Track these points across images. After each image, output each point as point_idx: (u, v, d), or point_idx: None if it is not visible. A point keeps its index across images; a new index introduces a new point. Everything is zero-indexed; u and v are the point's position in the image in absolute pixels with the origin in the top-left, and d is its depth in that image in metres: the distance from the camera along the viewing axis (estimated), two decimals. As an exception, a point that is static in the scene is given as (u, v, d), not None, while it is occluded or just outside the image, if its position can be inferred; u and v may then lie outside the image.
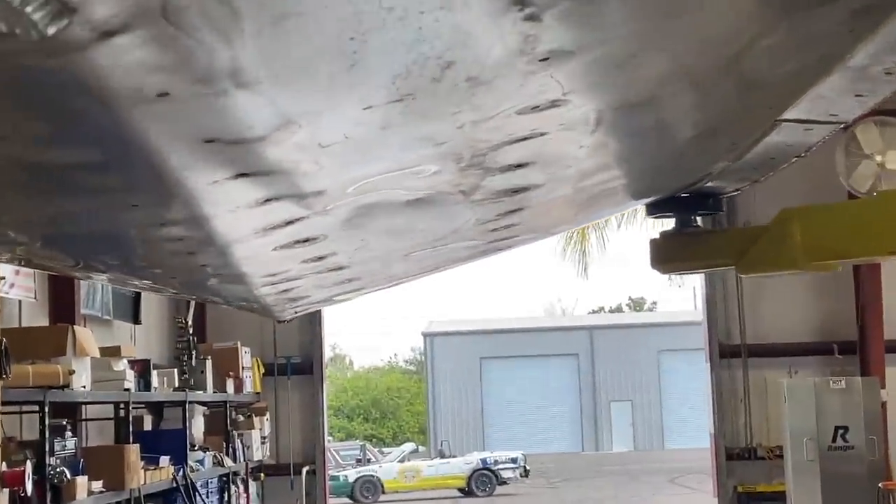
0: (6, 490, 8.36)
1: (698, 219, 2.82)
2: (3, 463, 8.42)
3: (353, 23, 0.99)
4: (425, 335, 53.94)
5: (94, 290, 13.43)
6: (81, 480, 9.88)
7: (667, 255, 2.77)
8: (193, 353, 14.35)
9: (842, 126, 1.90)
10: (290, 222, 1.69)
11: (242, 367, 15.66)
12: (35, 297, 11.86)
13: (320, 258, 2.05)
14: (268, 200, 1.52)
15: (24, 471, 8.16)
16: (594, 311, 70.43)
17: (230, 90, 1.06)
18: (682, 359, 49.04)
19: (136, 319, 14.49)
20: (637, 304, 71.89)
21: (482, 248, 2.56)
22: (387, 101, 1.26)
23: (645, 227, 21.68)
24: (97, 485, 10.36)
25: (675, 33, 1.33)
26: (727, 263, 2.72)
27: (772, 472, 16.61)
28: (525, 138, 1.52)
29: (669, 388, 52.09)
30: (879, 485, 15.45)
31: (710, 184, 2.53)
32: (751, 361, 17.60)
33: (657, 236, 2.86)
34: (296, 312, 2.77)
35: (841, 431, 15.86)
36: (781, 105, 1.76)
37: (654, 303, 71.02)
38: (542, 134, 1.53)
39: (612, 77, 1.43)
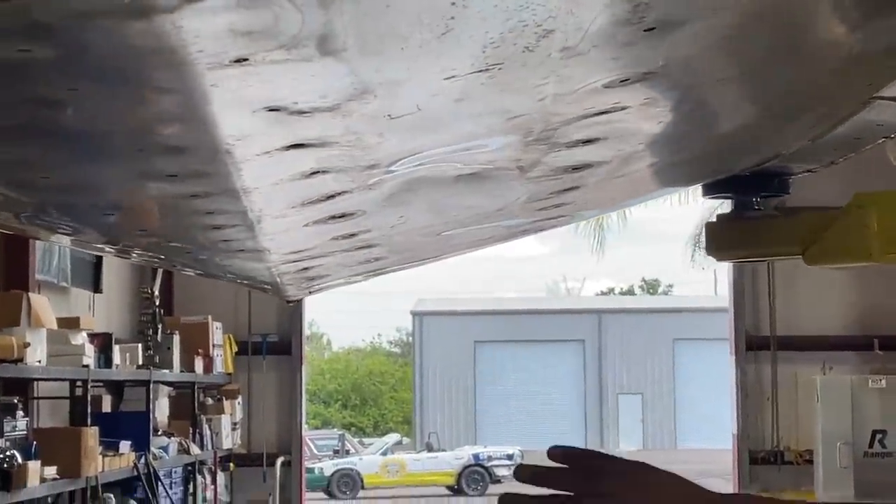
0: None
1: (759, 201, 2.82)
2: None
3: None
4: (414, 314, 53.91)
5: (50, 253, 13.39)
6: (34, 466, 9.89)
7: (725, 242, 2.76)
8: (159, 327, 14.37)
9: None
10: (330, 196, 1.69)
11: (213, 345, 15.66)
12: (-17, 259, 11.84)
13: (352, 235, 2.05)
14: (314, 173, 1.53)
15: (-28, 454, 8.17)
16: (603, 293, 70.61)
17: (314, 57, 1.07)
18: (699, 349, 49.20)
19: (96, 287, 14.47)
20: (651, 287, 72.04)
21: (523, 228, 2.56)
22: (471, 71, 1.27)
23: (669, 202, 21.67)
24: (51, 471, 10.39)
25: (783, 7, 1.34)
26: (793, 252, 2.72)
27: (800, 478, 16.57)
28: (604, 112, 1.53)
29: (684, 381, 52.27)
30: (921, 496, 15.48)
31: (777, 165, 2.53)
32: (780, 355, 17.58)
33: (713, 219, 2.86)
34: (309, 292, 2.78)
35: (879, 436, 15.92)
36: (882, 81, 1.76)
37: (671, 286, 71.19)
38: (623, 108, 1.53)
39: (714, 49, 1.43)
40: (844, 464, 15.59)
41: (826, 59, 1.60)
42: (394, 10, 1.01)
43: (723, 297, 18.79)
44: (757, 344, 17.40)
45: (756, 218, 2.76)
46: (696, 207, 24.35)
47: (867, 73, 1.75)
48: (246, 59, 1.04)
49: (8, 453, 9.49)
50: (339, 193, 1.68)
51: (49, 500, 11.28)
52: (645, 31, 1.22)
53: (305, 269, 2.30)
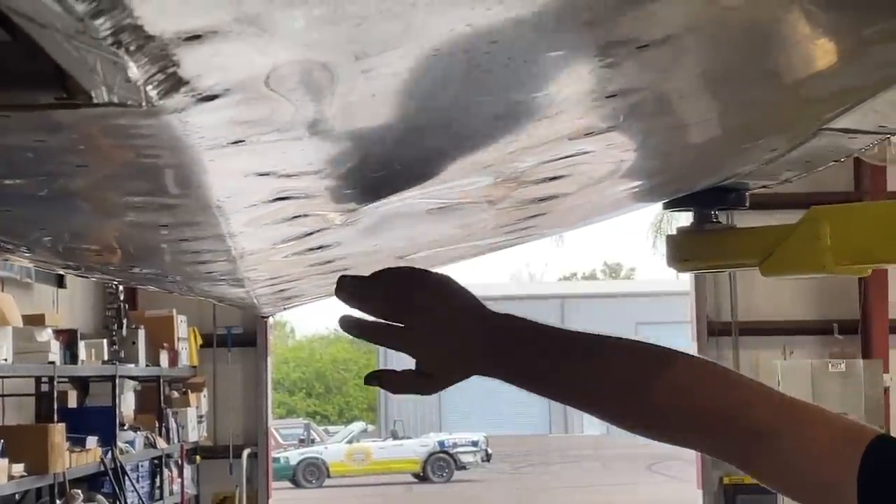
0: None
1: (717, 215, 2.93)
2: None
3: (435, 74, 1.09)
4: None
5: (14, 249, 13.38)
6: (1, 463, 9.93)
7: (685, 254, 2.86)
8: (124, 321, 14.41)
9: (888, 135, 2.00)
10: (310, 233, 1.79)
11: (178, 338, 15.69)
12: (-53, 257, 11.81)
13: (329, 262, 2.15)
14: (296, 217, 1.61)
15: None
16: (565, 278, 70.77)
17: (304, 136, 1.16)
18: (663, 332, 49.34)
19: (60, 283, 14.46)
20: (613, 271, 72.29)
21: (490, 247, 2.67)
22: (440, 131, 1.37)
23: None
24: (18, 468, 10.41)
25: (744, 72, 1.44)
26: (750, 263, 2.82)
27: (761, 461, 16.71)
28: (570, 156, 1.63)
29: (648, 365, 52.53)
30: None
31: (732, 182, 2.64)
32: (742, 340, 17.73)
33: (674, 232, 2.96)
34: (284, 308, 2.88)
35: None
36: (830, 117, 1.87)
37: (633, 269, 71.50)
38: (586, 152, 1.63)
39: (673, 105, 1.53)
40: (806, 447, 15.69)
41: (779, 102, 1.71)
42: (378, 100, 1.10)
43: (685, 281, 18.91)
44: (718, 329, 17.59)
45: (715, 231, 2.86)
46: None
47: (817, 110, 1.86)
48: (242, 141, 1.13)
49: (-25, 452, 9.51)
50: (320, 230, 1.77)
51: (17, 497, 11.31)
52: (607, 97, 1.32)
53: (282, 290, 2.39)
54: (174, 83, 0.86)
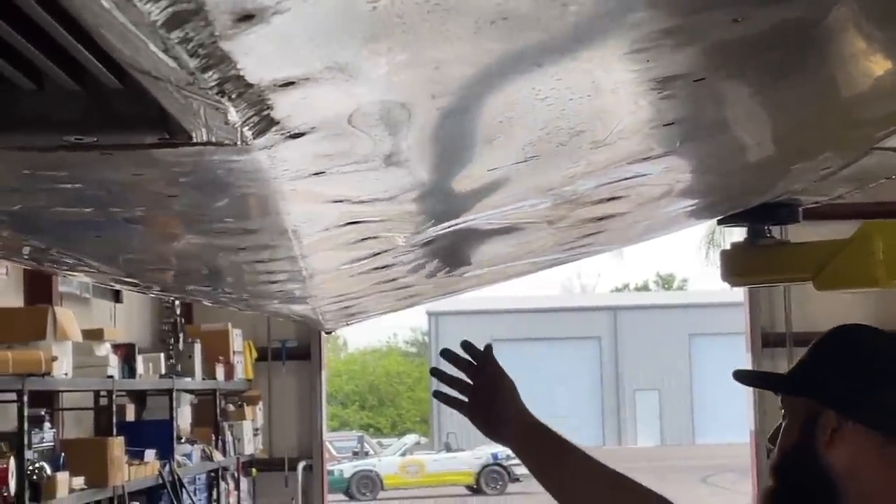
0: (-16, 489, 8.51)
1: (771, 229, 2.96)
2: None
3: (504, 108, 1.16)
4: (430, 314, 53.84)
5: (72, 265, 13.52)
6: (62, 477, 10.01)
7: (739, 269, 2.90)
8: (181, 335, 14.50)
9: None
10: (376, 254, 1.85)
11: (233, 352, 15.76)
12: (6, 274, 11.95)
13: (392, 280, 2.22)
14: (364, 239, 1.68)
15: (6, 469, 8.31)
16: (618, 290, 70.50)
17: (380, 167, 1.23)
18: (716, 344, 49.15)
19: (117, 298, 14.61)
20: (666, 282, 71.98)
21: (549, 263, 2.73)
22: (512, 163, 1.43)
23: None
24: (79, 481, 10.50)
25: (799, 94, 1.50)
26: (804, 278, 2.85)
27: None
28: (627, 178, 1.68)
29: (701, 376, 52.24)
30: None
31: (787, 197, 2.68)
32: (797, 352, 17.40)
33: (728, 247, 3.00)
34: (347, 324, 2.95)
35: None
36: (881, 136, 1.92)
37: (685, 280, 71.14)
38: (644, 175, 1.68)
39: (727, 130, 1.59)
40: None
41: (833, 123, 1.76)
42: (451, 132, 1.17)
43: (738, 292, 18.72)
44: (773, 340, 17.42)
45: (768, 246, 2.91)
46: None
47: (868, 132, 1.91)
48: (323, 172, 1.20)
49: (37, 465, 9.60)
50: (385, 251, 1.84)
51: (76, 511, 11.43)
52: (664, 125, 1.38)
53: (346, 307, 2.46)
54: (267, 124, 0.93)
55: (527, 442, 2.80)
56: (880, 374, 2.29)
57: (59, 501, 9.97)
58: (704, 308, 52.70)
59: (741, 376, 2.55)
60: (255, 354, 16.83)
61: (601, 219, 2.04)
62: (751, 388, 17.50)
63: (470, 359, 2.71)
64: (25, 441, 9.48)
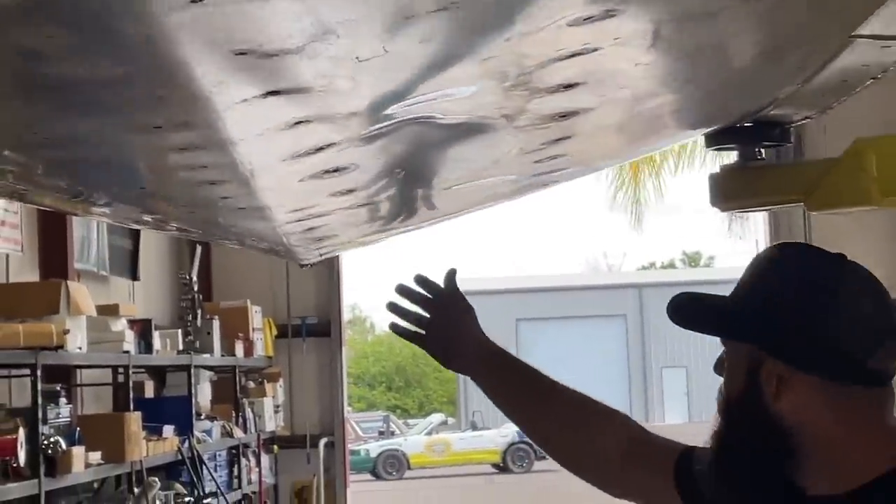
0: (-4, 460, 8.47)
1: (762, 151, 2.83)
2: (-10, 428, 8.52)
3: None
4: None
5: (89, 242, 13.49)
6: (78, 451, 9.96)
7: (729, 191, 2.78)
8: (199, 312, 14.43)
9: (923, 42, 1.92)
10: (320, 149, 1.74)
11: (253, 329, 15.71)
12: (22, 251, 11.92)
13: (350, 191, 2.10)
14: (298, 123, 1.57)
15: (15, 439, 8.27)
16: (644, 268, 70.42)
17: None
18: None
19: (134, 275, 14.57)
20: (692, 260, 71.81)
21: (525, 183, 2.60)
22: (429, 10, 1.31)
23: (704, 172, 21.59)
24: (95, 456, 10.46)
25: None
26: (795, 199, 2.72)
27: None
28: (576, 54, 1.56)
29: (728, 353, 52.01)
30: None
31: (775, 112, 2.54)
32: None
33: (717, 170, 2.88)
34: (321, 255, 2.82)
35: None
36: (856, 20, 1.78)
37: (711, 258, 70.93)
38: (594, 49, 1.56)
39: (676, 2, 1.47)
40: None
41: (804, 9, 1.63)
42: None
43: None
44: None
45: (759, 167, 2.79)
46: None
47: (840, 12, 1.79)
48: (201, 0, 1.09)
49: (52, 439, 9.56)
50: (330, 145, 1.73)
51: (95, 485, 11.40)
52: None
53: (311, 228, 2.35)
54: None
55: (488, 369, 2.75)
56: (824, 311, 2.12)
57: (75, 475, 9.94)
58: (731, 285, 52.23)
59: (675, 311, 2.31)
60: (275, 331, 16.80)
61: (564, 116, 1.92)
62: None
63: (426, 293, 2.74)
64: (40, 415, 9.43)
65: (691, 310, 2.30)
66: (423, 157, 2.02)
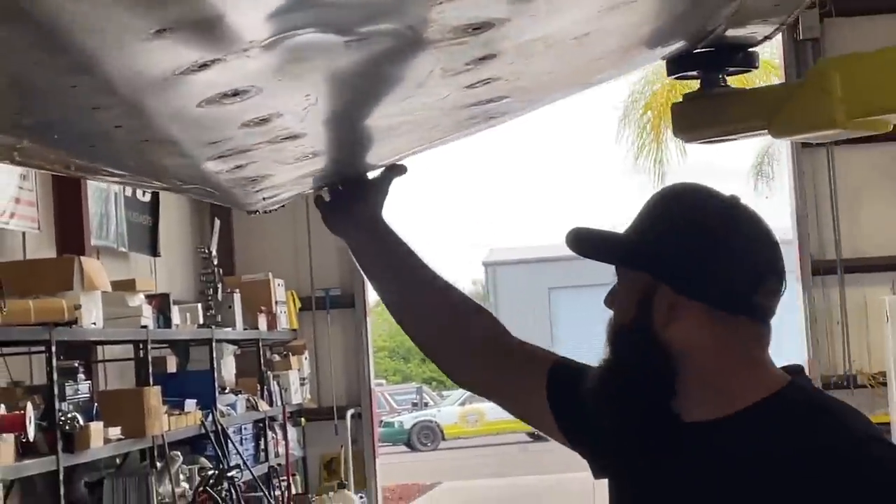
0: (10, 436, 8.45)
1: (726, 79, 2.70)
2: (2, 406, 8.50)
3: None
4: (486, 265, 53.87)
5: (108, 219, 13.47)
6: (96, 426, 9.97)
7: (691, 121, 2.64)
8: (219, 286, 14.40)
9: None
10: (203, 66, 1.62)
11: (276, 302, 15.70)
12: (39, 228, 11.91)
13: (263, 120, 1.98)
14: (160, 31, 1.45)
15: (24, 414, 8.23)
16: (668, 232, 70.08)
17: None
18: (775, 282, 48.52)
19: (154, 251, 14.56)
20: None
21: (467, 116, 2.46)
22: None
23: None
24: (115, 431, 10.47)
25: None
26: (758, 126, 2.58)
27: (874, 401, 16.18)
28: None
29: (761, 315, 51.66)
30: None
31: (733, 33, 2.40)
32: (848, 278, 17.16)
33: (680, 102, 2.75)
34: (264, 200, 2.68)
35: (954, 354, 15.53)
36: None
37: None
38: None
39: None
40: (918, 384, 15.25)
41: None
42: None
43: (787, 228, 18.31)
44: (823, 269, 17.05)
45: (720, 94, 2.64)
46: (755, 142, 24.06)
47: None
48: None
49: (69, 415, 9.55)
50: (213, 62, 1.61)
51: (117, 460, 11.40)
52: None
53: (238, 167, 2.22)
54: None
55: (369, 237, 2.80)
56: (715, 244, 2.26)
57: (95, 451, 9.94)
58: (763, 247, 52.03)
59: (576, 242, 2.42)
60: (298, 304, 16.77)
61: (478, 28, 1.78)
62: (803, 319, 17.28)
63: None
64: (55, 391, 9.42)
65: (591, 241, 2.42)
66: (331, 80, 1.89)
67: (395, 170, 2.75)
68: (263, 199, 2.68)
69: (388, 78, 1.98)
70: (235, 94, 1.82)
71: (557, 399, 2.56)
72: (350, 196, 2.75)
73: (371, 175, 2.77)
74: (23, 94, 1.56)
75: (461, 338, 2.78)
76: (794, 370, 2.41)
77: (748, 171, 29.02)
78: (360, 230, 2.77)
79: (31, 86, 1.51)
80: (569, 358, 2.67)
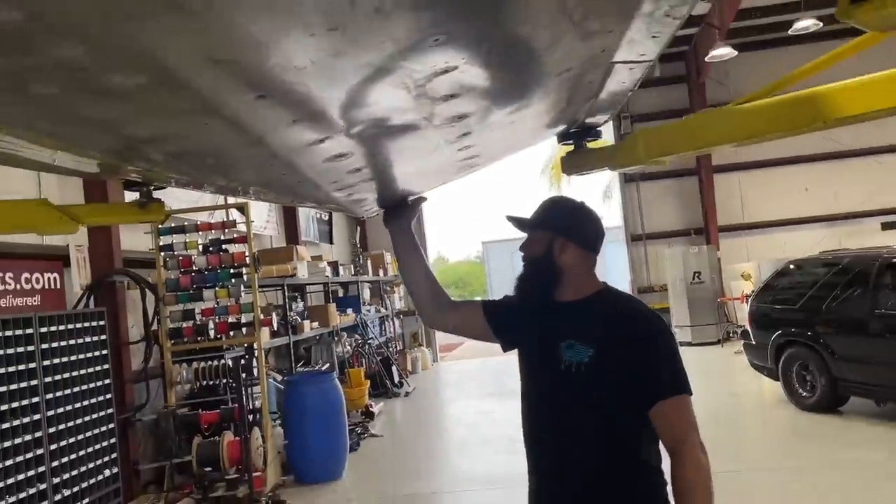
0: (266, 328, 8.35)
1: (587, 143, 2.54)
2: (262, 314, 8.38)
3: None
4: (484, 244, 40.53)
5: (309, 225, 13.33)
6: (306, 322, 9.87)
7: (571, 164, 2.50)
8: (360, 257, 14.28)
9: (650, 62, 1.59)
10: (321, 140, 1.46)
11: (386, 263, 15.53)
12: (277, 232, 11.82)
13: (357, 170, 1.82)
14: (295, 122, 1.29)
15: (270, 319, 8.13)
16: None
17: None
18: (607, 246, 45.98)
19: (330, 240, 14.43)
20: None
21: (459, 166, 2.29)
22: (324, 30, 1.01)
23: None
24: (314, 325, 10.36)
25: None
26: (604, 166, 2.44)
27: (661, 298, 16.19)
28: (445, 71, 1.26)
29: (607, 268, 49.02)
30: (718, 300, 15.19)
31: (590, 120, 2.24)
32: (648, 242, 17.09)
33: (565, 154, 2.59)
34: (366, 211, 2.54)
35: (697, 274, 15.51)
36: (611, 49, 1.47)
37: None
38: (455, 68, 1.26)
39: (493, 56, 1.15)
40: (680, 289, 15.23)
41: (576, 40, 1.30)
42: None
43: (616, 216, 17.99)
44: (635, 237, 16.89)
45: (585, 150, 2.46)
46: (605, 174, 23.33)
47: (602, 44, 1.45)
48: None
49: (293, 318, 9.45)
50: (326, 138, 1.44)
51: (316, 338, 11.27)
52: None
53: (349, 194, 2.07)
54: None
55: (397, 234, 2.54)
56: (580, 217, 2.20)
57: (306, 334, 9.83)
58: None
59: (511, 220, 2.25)
60: (397, 263, 16.48)
61: (460, 117, 1.60)
62: (628, 260, 17.04)
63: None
64: (287, 308, 9.32)
65: (520, 220, 2.25)
66: (388, 147, 1.72)
67: (420, 199, 2.55)
68: (366, 210, 2.49)
69: (417, 146, 1.78)
70: (341, 155, 1.64)
71: (490, 317, 2.35)
72: (396, 212, 2.54)
73: (409, 199, 2.56)
74: (257, 171, 1.41)
75: (435, 302, 2.49)
76: (604, 283, 2.29)
77: (601, 191, 28.52)
78: (398, 231, 2.55)
79: (268, 175, 1.35)
80: (488, 298, 2.49)
